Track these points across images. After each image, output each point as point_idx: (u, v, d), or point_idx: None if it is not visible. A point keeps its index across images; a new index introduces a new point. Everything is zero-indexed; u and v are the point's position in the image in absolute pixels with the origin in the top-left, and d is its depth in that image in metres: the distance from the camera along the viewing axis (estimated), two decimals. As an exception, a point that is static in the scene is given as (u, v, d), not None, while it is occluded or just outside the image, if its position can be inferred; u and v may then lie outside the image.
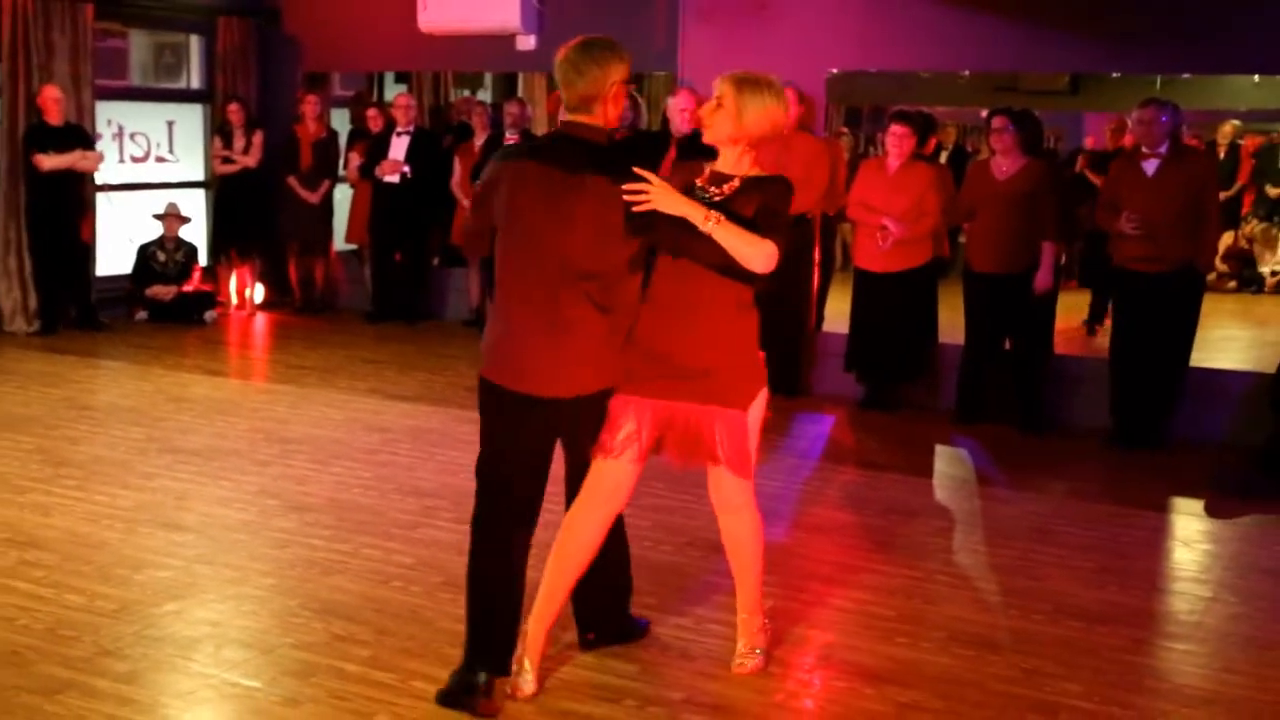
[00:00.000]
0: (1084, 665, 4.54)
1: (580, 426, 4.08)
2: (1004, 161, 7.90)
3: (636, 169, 3.89)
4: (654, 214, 3.87)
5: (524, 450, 4.07)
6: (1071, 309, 10.19)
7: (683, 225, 3.88)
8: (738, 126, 4.02)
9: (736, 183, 4.04)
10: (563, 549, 4.12)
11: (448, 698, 4.03)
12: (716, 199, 3.99)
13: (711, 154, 4.18)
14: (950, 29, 8.32)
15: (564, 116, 4.07)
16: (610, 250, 3.95)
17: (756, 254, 3.90)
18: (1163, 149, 7.44)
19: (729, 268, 3.95)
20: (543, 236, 3.92)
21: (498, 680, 4.04)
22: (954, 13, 8.27)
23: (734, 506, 4.25)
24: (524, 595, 4.11)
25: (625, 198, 3.85)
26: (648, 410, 4.05)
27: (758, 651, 4.38)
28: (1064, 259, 8.27)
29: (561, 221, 3.90)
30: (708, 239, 3.87)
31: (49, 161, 9.91)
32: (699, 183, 4.08)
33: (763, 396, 4.19)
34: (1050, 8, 8.09)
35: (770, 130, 4.08)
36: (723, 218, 3.87)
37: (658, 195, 3.85)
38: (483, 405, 4.12)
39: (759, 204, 3.98)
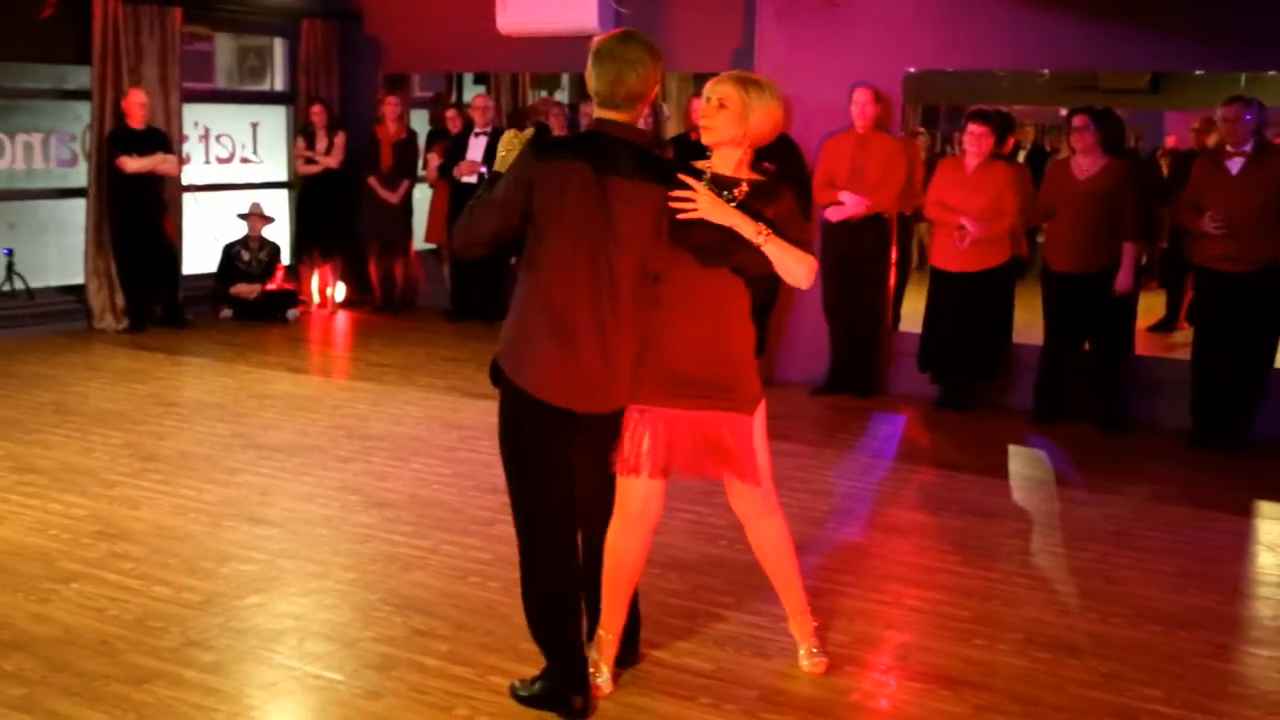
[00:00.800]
0: (1165, 670, 4.46)
1: (607, 435, 3.99)
2: (1085, 161, 7.79)
3: (681, 176, 3.85)
4: (697, 221, 3.83)
5: (562, 463, 3.96)
6: (1151, 310, 10.05)
7: (728, 234, 3.84)
8: (742, 128, 3.93)
9: (745, 186, 3.95)
10: (612, 570, 4.09)
11: (531, 702, 4.03)
12: (731, 203, 3.91)
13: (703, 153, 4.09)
14: (1028, 27, 8.22)
15: (599, 114, 3.86)
16: (653, 261, 3.88)
17: (801, 269, 3.91)
18: (1247, 147, 7.32)
19: (761, 277, 3.92)
20: (594, 245, 3.77)
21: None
22: (1032, 11, 8.16)
23: (757, 514, 4.21)
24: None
25: (671, 204, 3.80)
26: (661, 421, 3.99)
27: (815, 651, 4.35)
28: (1144, 259, 8.14)
29: (615, 231, 3.77)
30: (755, 251, 3.85)
31: (133, 164, 10.09)
32: (705, 185, 3.93)
33: (764, 405, 4.12)
34: (1130, 5, 7.96)
35: (771, 131, 3.99)
36: (772, 231, 3.85)
37: (705, 204, 3.81)
38: (518, 420, 3.92)
39: (774, 211, 3.92)
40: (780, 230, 3.89)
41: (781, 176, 4.20)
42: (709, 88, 4.00)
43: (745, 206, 3.90)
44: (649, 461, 3.98)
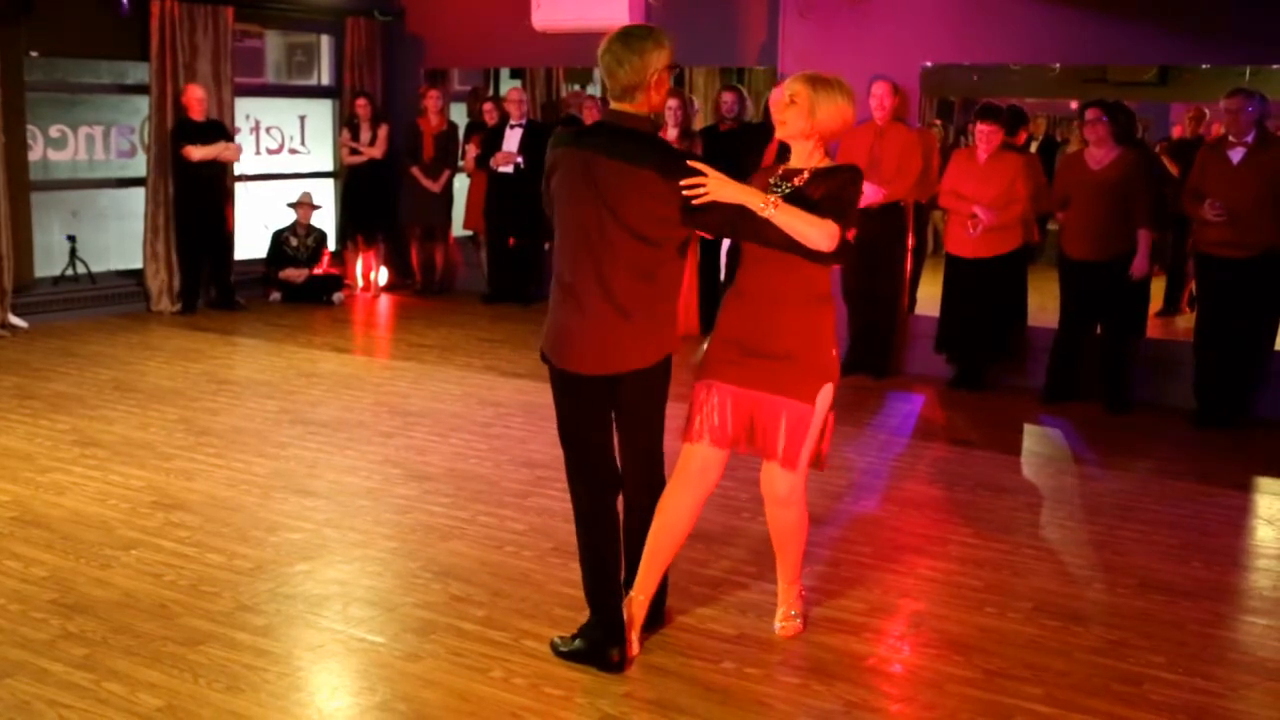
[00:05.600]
0: (1168, 638, 4.44)
1: (636, 395, 4.03)
2: (1097, 152, 7.72)
3: (692, 163, 3.87)
4: (712, 203, 3.84)
5: (598, 427, 4.06)
6: (1160, 295, 9.98)
7: (741, 211, 3.85)
8: (809, 123, 4.01)
9: (806, 175, 4.02)
10: (659, 530, 4.11)
11: (571, 656, 4.08)
12: (788, 191, 3.97)
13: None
14: (1040, 23, 8.15)
15: (611, 105, 3.99)
16: (654, 237, 3.89)
17: (816, 232, 3.86)
18: (1249, 138, 7.25)
19: (793, 248, 3.90)
20: (590, 224, 3.87)
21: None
22: (1044, 8, 8.09)
23: (783, 501, 4.21)
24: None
25: (684, 192, 3.81)
26: (728, 396, 4.05)
27: (794, 615, 4.39)
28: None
29: (608, 211, 3.84)
30: (767, 222, 3.85)
31: (198, 152, 10.16)
32: (771, 180, 4.06)
33: (829, 390, 4.09)
34: (1139, 1, 7.88)
35: (840, 127, 4.07)
36: (780, 201, 3.84)
37: (715, 186, 3.82)
38: (555, 390, 4.10)
39: (824, 190, 3.95)
40: (824, 208, 3.87)
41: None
42: (785, 85, 4.12)
43: (798, 191, 3.95)
44: (711, 431, 4.06)
